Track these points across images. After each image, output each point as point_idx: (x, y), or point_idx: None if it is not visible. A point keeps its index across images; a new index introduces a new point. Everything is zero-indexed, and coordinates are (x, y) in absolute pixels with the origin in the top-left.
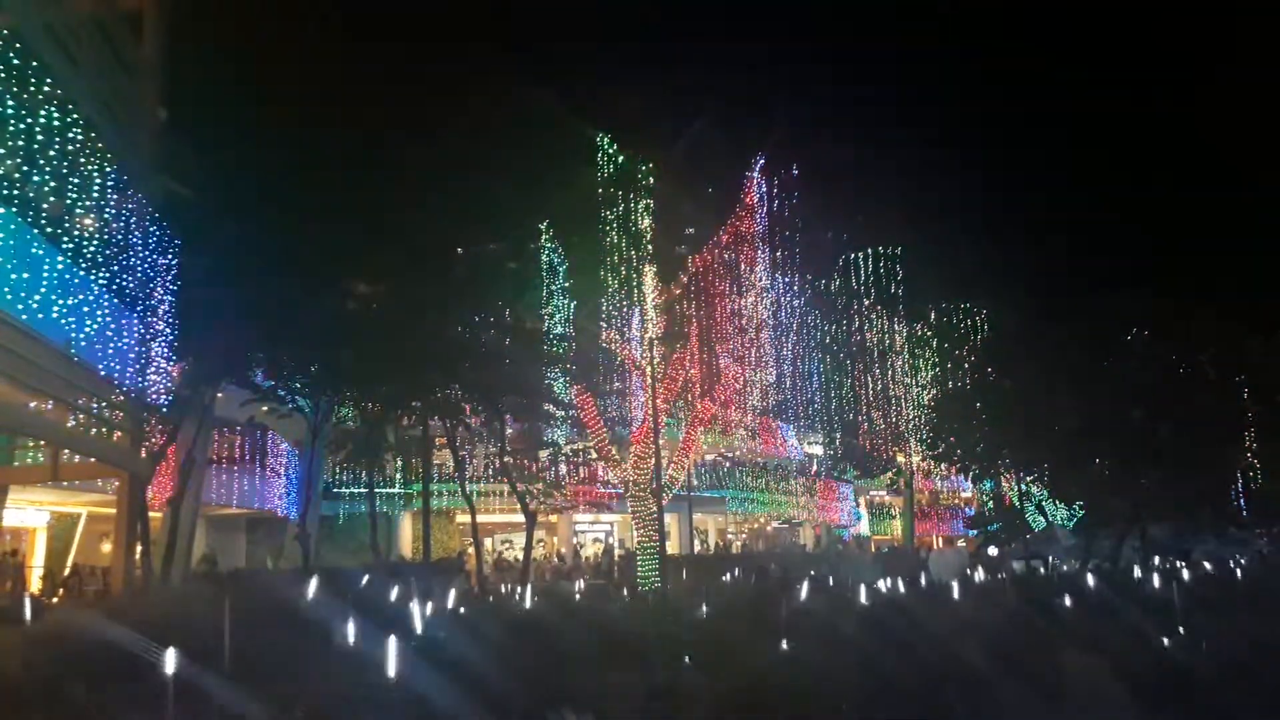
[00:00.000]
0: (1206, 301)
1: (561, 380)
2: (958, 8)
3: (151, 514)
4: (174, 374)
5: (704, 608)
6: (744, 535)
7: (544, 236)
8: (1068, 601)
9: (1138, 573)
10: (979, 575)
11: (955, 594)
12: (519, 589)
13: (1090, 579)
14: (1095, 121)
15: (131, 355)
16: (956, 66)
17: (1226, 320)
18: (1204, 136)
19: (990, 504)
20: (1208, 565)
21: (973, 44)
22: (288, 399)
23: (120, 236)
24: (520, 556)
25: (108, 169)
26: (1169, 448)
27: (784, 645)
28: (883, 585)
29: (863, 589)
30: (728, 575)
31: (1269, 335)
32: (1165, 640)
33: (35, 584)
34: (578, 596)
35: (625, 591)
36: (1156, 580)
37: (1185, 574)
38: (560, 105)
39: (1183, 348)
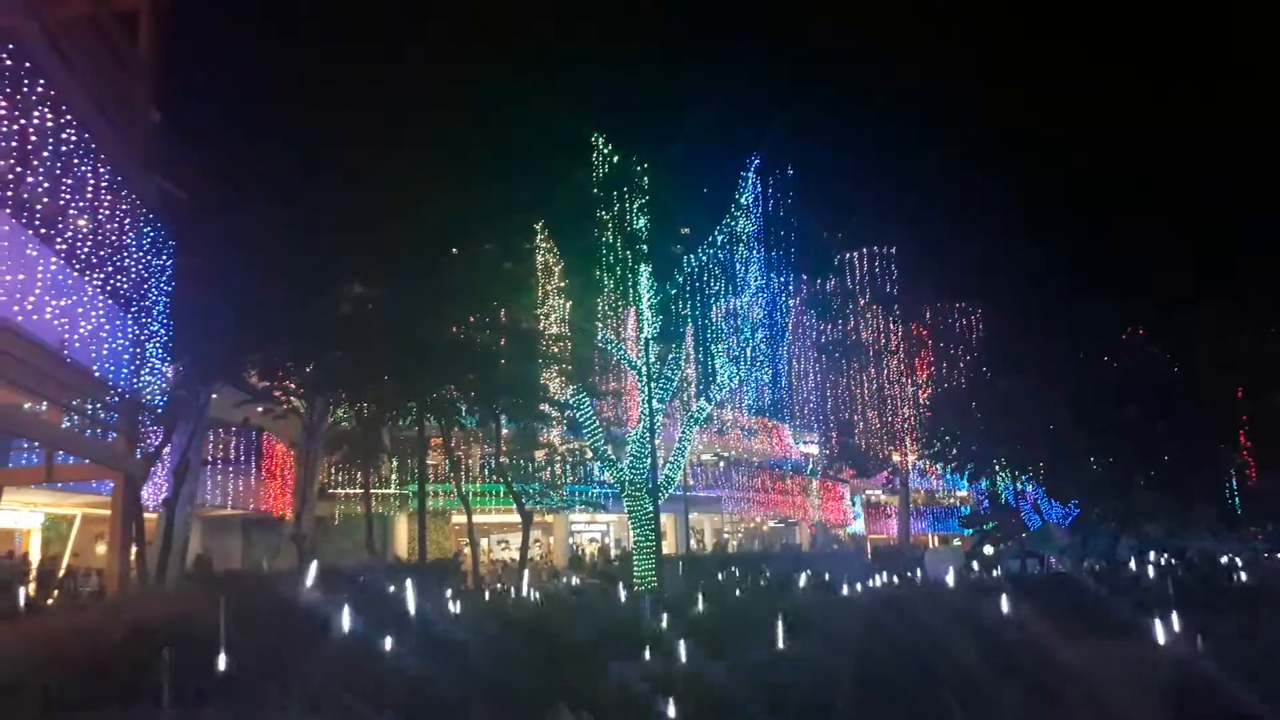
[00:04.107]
0: (1201, 300)
1: (557, 380)
2: (956, 7)
3: (146, 515)
4: (168, 375)
5: (699, 606)
6: (740, 535)
7: (539, 236)
8: (1063, 600)
9: (1133, 571)
10: (975, 573)
11: (951, 593)
12: (514, 589)
13: (1086, 577)
14: (1091, 121)
15: (126, 356)
16: (953, 67)
17: (1221, 318)
18: (1198, 136)
19: (986, 503)
20: (1203, 563)
21: (970, 45)
22: (283, 400)
23: (114, 237)
24: (516, 556)
25: (102, 170)
26: (1164, 446)
27: (779, 644)
28: (877, 582)
29: (858, 588)
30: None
31: (1263, 334)
32: (1160, 638)
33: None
34: (574, 595)
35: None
36: (1151, 578)
37: (1180, 572)
38: (556, 104)
39: (1177, 346)
